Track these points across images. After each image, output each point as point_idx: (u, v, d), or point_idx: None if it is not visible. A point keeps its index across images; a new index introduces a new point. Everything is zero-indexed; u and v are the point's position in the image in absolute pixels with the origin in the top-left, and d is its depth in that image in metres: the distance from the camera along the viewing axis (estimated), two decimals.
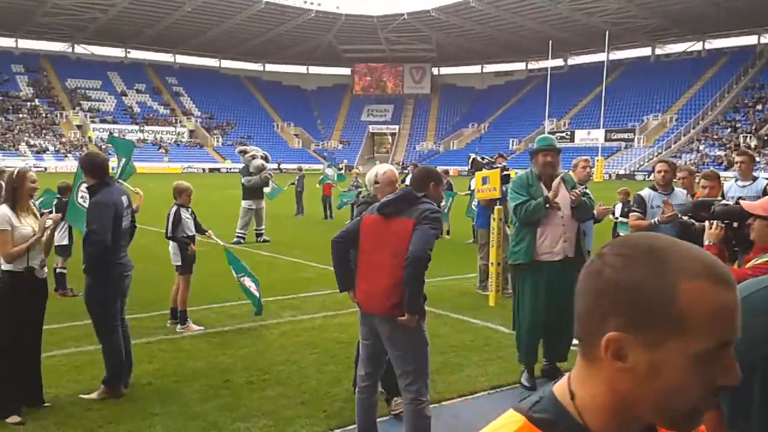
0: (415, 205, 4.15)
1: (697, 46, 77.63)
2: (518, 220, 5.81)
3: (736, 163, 7.16)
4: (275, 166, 25.79)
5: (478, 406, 5.35)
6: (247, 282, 7.22)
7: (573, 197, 5.71)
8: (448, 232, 16.30)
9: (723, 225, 3.71)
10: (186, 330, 7.49)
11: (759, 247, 3.43)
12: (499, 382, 5.87)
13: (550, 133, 65.51)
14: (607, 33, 62.31)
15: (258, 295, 7.11)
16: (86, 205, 5.73)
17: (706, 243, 3.73)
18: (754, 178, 7.17)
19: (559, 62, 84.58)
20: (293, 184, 21.80)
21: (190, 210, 7.82)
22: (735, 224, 3.74)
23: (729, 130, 62.81)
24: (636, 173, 58.20)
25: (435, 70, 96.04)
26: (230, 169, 68.37)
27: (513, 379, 5.93)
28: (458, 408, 5.34)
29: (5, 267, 5.05)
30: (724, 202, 3.99)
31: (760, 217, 3.36)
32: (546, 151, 5.79)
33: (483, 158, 10.35)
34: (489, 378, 5.98)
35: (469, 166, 10.75)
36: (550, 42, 64.54)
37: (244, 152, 15.99)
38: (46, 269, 5.37)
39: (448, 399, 5.44)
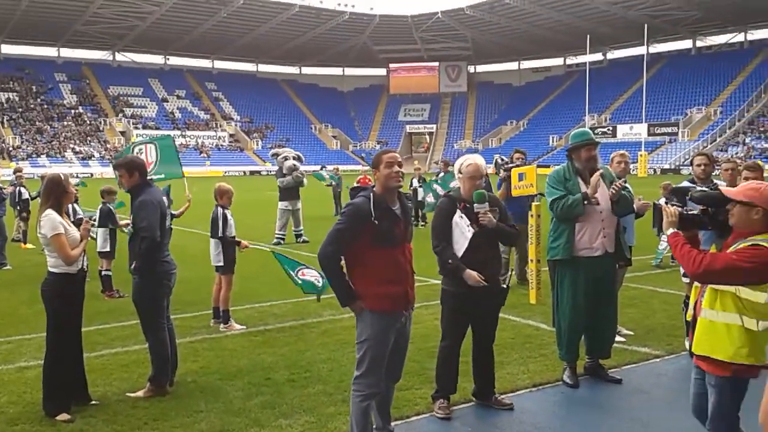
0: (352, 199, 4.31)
1: (739, 37, 75.71)
2: (555, 216, 5.74)
3: (746, 179, 6.81)
4: (319, 167, 26.36)
5: (520, 404, 5.31)
6: (308, 273, 7.31)
7: (614, 191, 5.61)
8: (424, 218, 17.77)
9: (678, 211, 3.72)
10: (228, 329, 7.59)
11: (738, 233, 3.54)
12: (541, 380, 5.82)
13: (591, 128, 64.64)
14: (645, 26, 61.28)
15: (322, 280, 7.14)
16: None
17: (668, 232, 3.72)
18: None
19: (598, 56, 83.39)
20: (330, 185, 22.03)
21: (230, 212, 7.93)
22: (710, 210, 3.75)
23: None
24: (681, 167, 57.07)
25: (471, 68, 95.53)
26: (270, 171, 68.85)
27: (555, 376, 5.87)
28: None
29: (57, 270, 5.18)
30: (701, 188, 3.97)
31: (740, 203, 3.47)
32: (589, 145, 5.68)
33: (503, 159, 10.47)
34: (531, 375, 5.93)
35: (494, 168, 10.88)
36: (588, 36, 63.69)
37: (277, 155, 16.23)
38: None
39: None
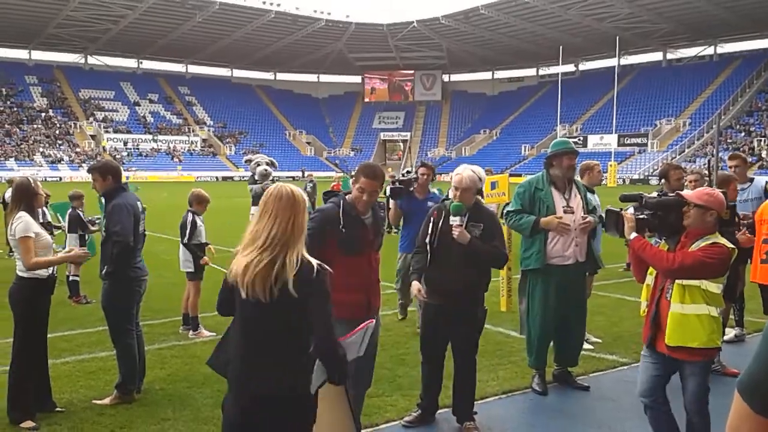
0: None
1: (709, 50, 77.19)
2: (507, 226, 5.85)
3: (730, 167, 7.14)
4: (301, 173, 26.30)
5: (489, 411, 5.34)
6: None
7: (585, 226, 5.67)
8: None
9: (636, 216, 4.08)
10: (198, 336, 7.53)
11: (692, 233, 3.98)
12: (510, 387, 5.86)
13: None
14: (618, 38, 62.25)
15: None
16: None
17: (630, 237, 4.05)
18: (751, 180, 7.22)
19: (570, 68, 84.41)
20: (306, 189, 22.04)
21: (202, 218, 7.87)
22: (654, 212, 4.08)
23: (743, 134, 62.40)
24: (650, 177, 57.92)
25: (446, 77, 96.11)
26: (243, 177, 68.45)
27: (524, 383, 5.92)
28: None
29: (27, 274, 5.10)
30: (650, 195, 4.27)
31: (697, 206, 3.91)
32: (570, 154, 5.68)
33: (407, 173, 9.25)
34: (500, 383, 5.97)
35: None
36: (561, 48, 64.46)
37: (250, 161, 16.18)
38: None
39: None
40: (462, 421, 5.01)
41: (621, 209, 4.21)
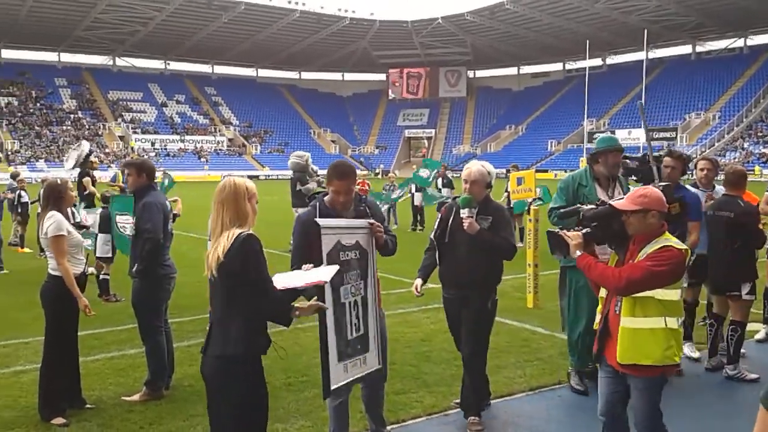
0: None
1: (739, 42, 75.84)
2: (551, 223, 5.74)
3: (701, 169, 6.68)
4: (381, 173, 25.91)
5: (516, 407, 5.31)
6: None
7: None
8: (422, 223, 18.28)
9: (582, 233, 3.76)
10: None
11: (639, 239, 3.66)
12: (538, 384, 5.82)
13: (589, 133, 64.80)
14: (645, 31, 61.42)
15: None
16: (128, 232, 5.97)
17: (575, 255, 3.74)
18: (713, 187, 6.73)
19: (597, 62, 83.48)
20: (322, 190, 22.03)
21: None
22: (595, 224, 3.79)
23: None
24: None
25: (470, 73, 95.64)
26: (268, 176, 69.09)
27: (551, 380, 5.87)
28: (496, 409, 5.30)
29: (58, 273, 5.18)
30: (587, 206, 4.01)
31: (635, 212, 3.59)
32: (616, 151, 5.63)
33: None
34: (527, 379, 5.93)
35: None
36: (588, 42, 63.80)
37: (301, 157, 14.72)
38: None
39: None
40: (467, 416, 5.01)
41: (561, 228, 3.97)
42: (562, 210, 4.40)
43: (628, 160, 6.07)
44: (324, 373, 3.76)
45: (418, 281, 5.06)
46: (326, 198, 4.33)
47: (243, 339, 3.28)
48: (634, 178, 6.08)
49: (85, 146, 13.44)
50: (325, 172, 4.67)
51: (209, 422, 3.53)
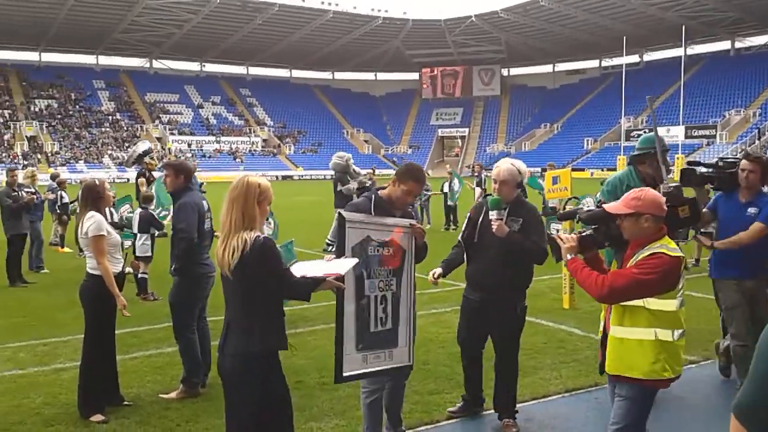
0: None
1: None
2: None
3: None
4: (471, 170, 25.42)
5: (552, 409, 5.25)
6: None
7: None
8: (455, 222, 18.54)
9: (576, 237, 3.65)
10: None
11: (635, 243, 3.48)
12: (574, 386, 5.75)
13: (627, 131, 63.84)
14: (683, 27, 60.29)
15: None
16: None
17: (567, 258, 3.62)
18: None
19: (635, 59, 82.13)
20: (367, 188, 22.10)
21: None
22: (596, 226, 3.70)
23: None
24: None
25: (504, 71, 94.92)
26: (302, 176, 69.63)
27: (587, 382, 5.80)
28: (532, 410, 5.26)
29: (97, 272, 5.27)
30: (586, 209, 3.91)
31: (627, 215, 3.43)
32: (663, 151, 5.44)
33: None
34: (563, 381, 5.86)
35: None
36: (624, 38, 62.88)
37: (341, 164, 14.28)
38: None
39: (521, 401, 5.36)
40: (502, 418, 4.96)
41: (557, 231, 3.87)
42: (561, 212, 4.32)
43: (702, 167, 5.73)
44: (337, 357, 3.82)
45: (439, 270, 4.91)
46: (383, 192, 4.32)
47: (259, 337, 3.32)
48: (711, 186, 5.65)
49: (141, 145, 13.39)
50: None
51: (225, 420, 3.53)
